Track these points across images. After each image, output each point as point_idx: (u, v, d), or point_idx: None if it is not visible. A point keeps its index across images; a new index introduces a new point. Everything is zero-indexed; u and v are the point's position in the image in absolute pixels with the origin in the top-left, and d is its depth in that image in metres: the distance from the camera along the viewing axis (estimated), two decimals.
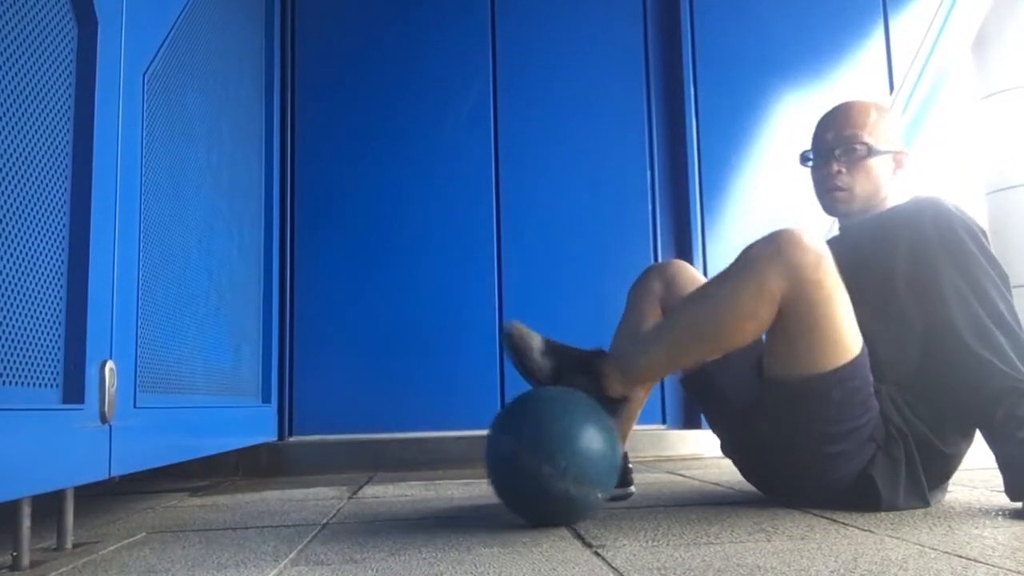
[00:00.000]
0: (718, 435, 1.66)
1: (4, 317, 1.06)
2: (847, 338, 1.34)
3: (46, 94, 1.19)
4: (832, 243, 1.70)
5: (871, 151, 1.53)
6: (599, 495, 1.30)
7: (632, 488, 1.66)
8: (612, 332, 1.67)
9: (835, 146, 1.55)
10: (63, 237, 1.24)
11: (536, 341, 1.39)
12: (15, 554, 1.14)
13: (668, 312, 1.46)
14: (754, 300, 1.29)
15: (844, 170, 1.55)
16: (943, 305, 1.38)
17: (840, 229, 1.66)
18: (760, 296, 1.29)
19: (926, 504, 1.42)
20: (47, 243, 1.19)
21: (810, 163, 1.60)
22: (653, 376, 1.43)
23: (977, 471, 1.88)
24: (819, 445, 1.37)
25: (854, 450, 1.37)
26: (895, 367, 1.43)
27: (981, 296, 1.37)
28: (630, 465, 1.66)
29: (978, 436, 1.45)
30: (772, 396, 1.42)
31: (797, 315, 1.30)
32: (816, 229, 2.79)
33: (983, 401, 1.34)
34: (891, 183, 1.57)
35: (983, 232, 1.44)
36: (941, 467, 1.44)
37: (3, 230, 1.07)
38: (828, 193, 1.58)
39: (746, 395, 1.51)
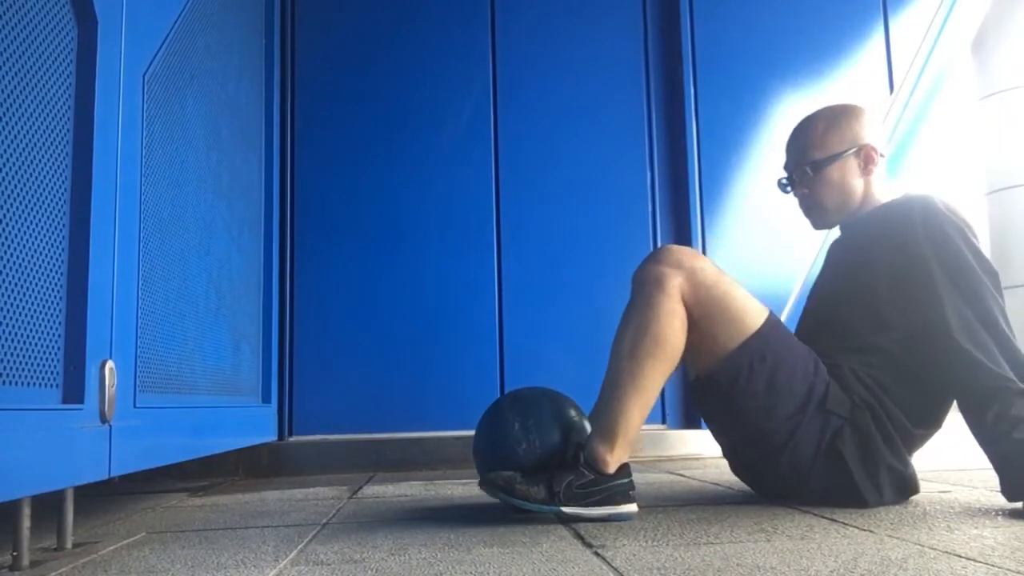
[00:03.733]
0: (717, 440, 1.66)
1: (4, 317, 1.06)
2: (750, 310, 1.44)
3: (46, 94, 1.19)
4: (836, 243, 1.72)
5: (817, 166, 1.59)
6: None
7: (633, 508, 1.43)
8: (612, 335, 1.67)
9: (791, 172, 1.65)
10: (63, 237, 1.24)
11: (511, 475, 1.39)
12: (15, 554, 1.14)
13: (610, 362, 1.45)
14: (667, 299, 1.39)
15: (807, 190, 1.62)
16: (936, 304, 1.39)
17: (839, 230, 1.68)
18: (669, 294, 1.39)
19: (910, 478, 1.45)
20: (47, 243, 1.19)
21: (787, 190, 1.69)
22: (638, 424, 1.40)
23: (976, 471, 1.88)
24: (773, 422, 1.42)
25: (809, 420, 1.41)
26: (863, 356, 1.46)
27: (970, 296, 1.38)
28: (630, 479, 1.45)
29: (952, 429, 1.48)
30: (710, 393, 1.48)
31: (699, 304, 1.41)
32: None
33: (973, 400, 1.35)
34: (862, 179, 1.58)
35: (971, 230, 1.45)
36: (913, 444, 1.48)
37: (3, 230, 1.07)
38: (806, 214, 1.68)
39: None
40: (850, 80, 3.11)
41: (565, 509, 1.35)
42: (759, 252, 2.97)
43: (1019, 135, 3.32)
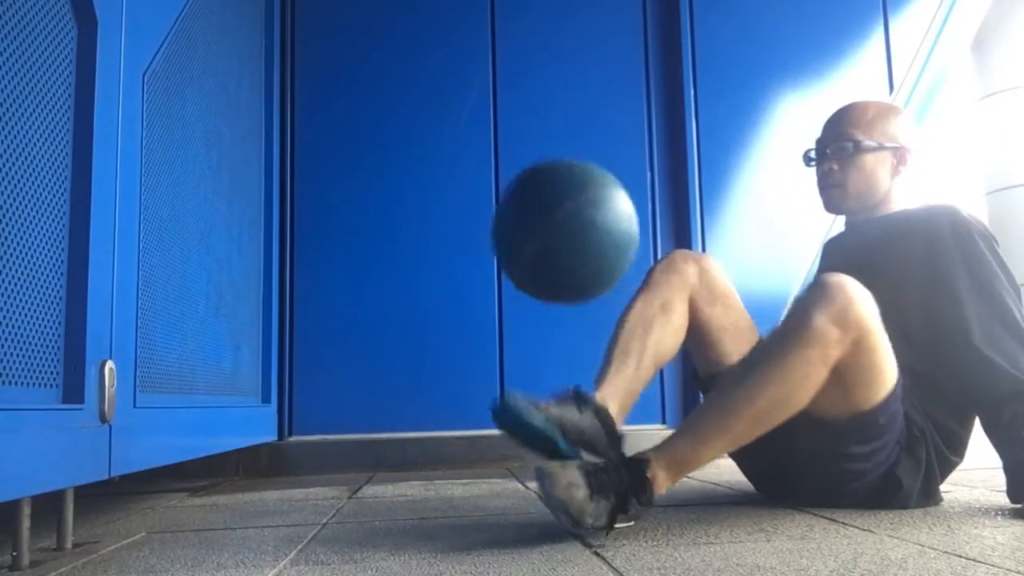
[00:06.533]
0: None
1: (4, 317, 1.06)
2: (891, 368, 1.31)
3: (46, 94, 1.19)
4: (836, 240, 1.71)
5: (859, 147, 1.55)
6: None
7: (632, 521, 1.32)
8: (610, 333, 1.65)
9: (827, 144, 1.59)
10: (63, 237, 1.24)
11: (575, 474, 1.16)
12: (15, 554, 1.14)
13: (717, 393, 1.30)
14: (822, 368, 1.23)
15: (836, 167, 1.58)
16: (958, 308, 1.38)
17: (846, 225, 1.68)
18: (826, 363, 1.23)
19: (935, 503, 1.44)
20: (47, 243, 1.19)
21: (812, 162, 1.64)
22: (710, 462, 1.29)
23: (977, 471, 1.88)
24: (857, 462, 1.36)
25: (885, 456, 1.37)
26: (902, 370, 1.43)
27: (995, 301, 1.38)
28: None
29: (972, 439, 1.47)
30: (814, 433, 1.34)
31: (853, 364, 1.25)
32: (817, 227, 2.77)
33: (991, 403, 1.35)
34: (891, 180, 1.57)
35: (996, 241, 1.46)
36: (945, 471, 1.46)
37: (3, 230, 1.07)
38: (824, 190, 1.62)
39: None
40: (850, 80, 3.11)
41: (605, 534, 1.19)
42: (759, 252, 2.97)
43: (1019, 135, 3.32)
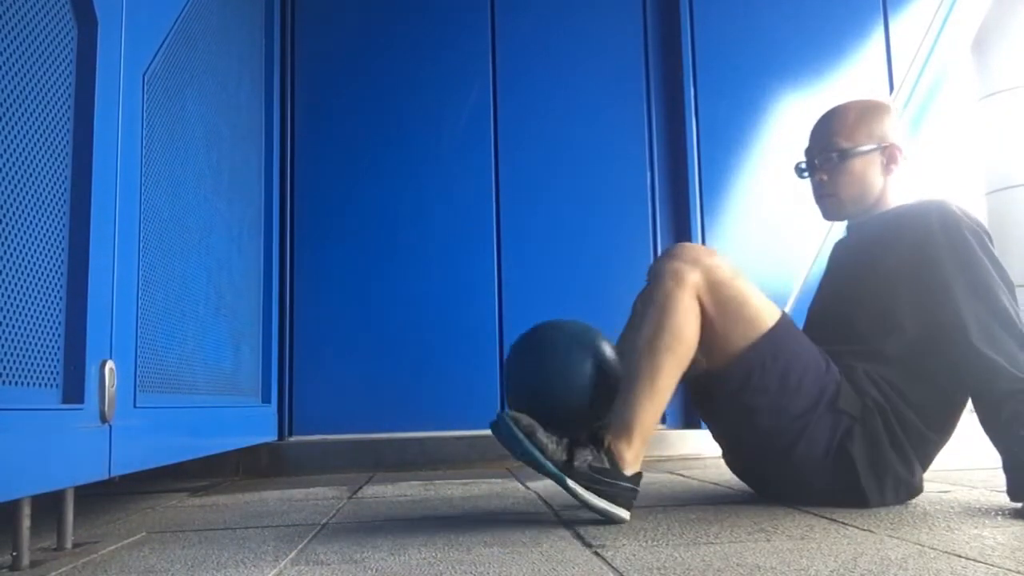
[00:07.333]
0: (718, 441, 1.66)
1: (4, 317, 1.06)
2: (765, 308, 1.44)
3: (46, 94, 1.19)
4: (841, 242, 1.72)
5: (844, 154, 1.57)
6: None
7: (627, 516, 1.36)
8: (612, 333, 1.66)
9: (814, 155, 1.63)
10: (63, 237, 1.24)
11: (532, 422, 1.30)
12: (15, 554, 1.14)
13: (623, 356, 1.42)
14: (685, 295, 1.39)
15: (826, 177, 1.60)
16: (952, 306, 1.39)
17: (847, 228, 1.69)
18: (686, 291, 1.39)
19: (915, 485, 1.45)
20: (47, 243, 1.19)
21: (804, 174, 1.67)
22: (652, 421, 1.38)
23: (977, 471, 1.88)
24: (783, 420, 1.41)
25: (819, 418, 1.40)
26: (874, 363, 1.45)
27: (989, 299, 1.38)
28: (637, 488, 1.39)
29: (969, 434, 1.47)
30: (719, 391, 1.47)
31: (714, 301, 1.41)
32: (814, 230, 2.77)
33: (990, 402, 1.35)
34: (884, 178, 1.58)
35: (988, 235, 1.45)
36: (926, 450, 1.47)
37: (3, 230, 1.07)
38: (819, 200, 1.65)
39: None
40: (850, 80, 3.11)
41: (571, 483, 1.29)
42: (759, 252, 2.97)
43: (1019, 135, 3.32)
